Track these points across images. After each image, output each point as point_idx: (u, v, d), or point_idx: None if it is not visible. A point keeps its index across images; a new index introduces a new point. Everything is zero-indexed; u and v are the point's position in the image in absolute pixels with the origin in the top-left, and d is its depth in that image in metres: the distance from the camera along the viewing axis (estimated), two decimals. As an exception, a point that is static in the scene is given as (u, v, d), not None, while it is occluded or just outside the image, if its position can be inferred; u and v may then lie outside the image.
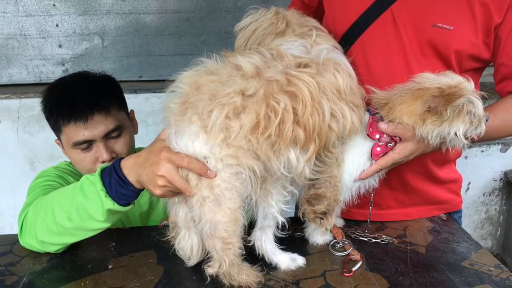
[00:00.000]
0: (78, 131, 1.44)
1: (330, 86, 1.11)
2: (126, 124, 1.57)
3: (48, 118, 1.51)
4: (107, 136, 1.49)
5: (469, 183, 3.33)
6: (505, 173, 3.35)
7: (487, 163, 3.30)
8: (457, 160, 1.64)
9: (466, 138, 1.20)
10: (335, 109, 1.12)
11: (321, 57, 1.15)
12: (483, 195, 3.41)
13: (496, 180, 3.38)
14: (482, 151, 3.26)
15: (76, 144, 1.46)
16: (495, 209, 3.48)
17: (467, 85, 1.19)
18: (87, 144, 1.47)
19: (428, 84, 1.20)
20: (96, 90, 1.51)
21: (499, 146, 3.26)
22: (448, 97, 1.16)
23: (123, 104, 1.60)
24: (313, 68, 1.11)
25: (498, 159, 3.30)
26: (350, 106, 1.16)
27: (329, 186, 1.26)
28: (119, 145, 1.52)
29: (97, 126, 1.45)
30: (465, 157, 3.23)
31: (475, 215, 3.47)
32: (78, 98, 1.45)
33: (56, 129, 1.50)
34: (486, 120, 1.21)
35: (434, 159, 1.49)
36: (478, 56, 1.36)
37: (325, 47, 1.21)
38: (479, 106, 1.18)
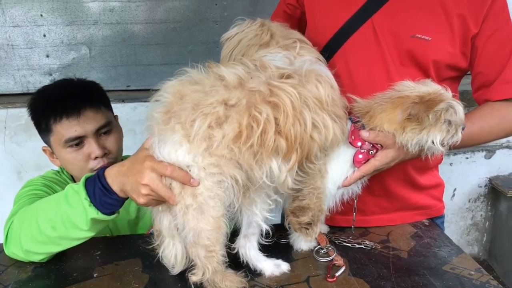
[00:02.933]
0: (70, 127, 1.47)
1: (312, 96, 1.13)
2: (115, 123, 1.63)
3: (39, 121, 1.53)
4: (98, 132, 1.52)
5: (455, 190, 3.38)
6: (490, 180, 3.40)
7: (472, 169, 3.35)
8: (442, 167, 1.67)
9: (443, 146, 1.23)
10: (317, 119, 1.13)
11: (303, 68, 1.17)
12: (469, 201, 3.46)
13: (481, 187, 3.43)
14: (467, 158, 3.31)
15: (68, 141, 1.48)
16: (481, 215, 3.53)
17: (445, 92, 1.22)
18: (79, 141, 1.50)
19: (408, 92, 1.23)
20: (85, 88, 1.59)
21: (484, 153, 3.32)
22: (428, 103, 1.19)
23: (110, 106, 1.65)
24: (296, 79, 1.13)
25: (482, 166, 3.36)
26: (332, 117, 1.17)
27: (313, 198, 1.28)
28: (110, 141, 1.56)
29: (89, 122, 1.50)
30: (450, 164, 3.27)
31: (461, 221, 3.52)
32: (70, 95, 1.51)
33: (47, 130, 1.51)
34: (462, 129, 1.24)
35: (415, 166, 1.52)
36: (456, 65, 1.40)
37: (308, 58, 1.23)
38: (460, 110, 1.21)
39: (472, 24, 1.35)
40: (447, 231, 1.60)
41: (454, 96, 1.24)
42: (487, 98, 1.43)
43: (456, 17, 1.34)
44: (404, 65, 1.40)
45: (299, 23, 1.70)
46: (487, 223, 3.56)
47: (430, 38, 1.35)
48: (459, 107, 1.22)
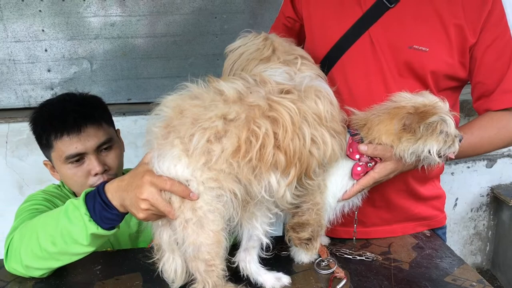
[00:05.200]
0: (71, 144, 1.47)
1: (311, 112, 1.14)
2: (116, 139, 1.62)
3: (40, 136, 1.54)
4: (98, 149, 1.52)
5: (457, 199, 3.36)
6: (492, 189, 3.39)
7: (474, 179, 3.34)
8: (444, 177, 1.67)
9: (440, 157, 1.23)
10: (316, 135, 1.14)
11: (303, 84, 1.18)
12: (471, 210, 3.44)
13: (483, 196, 3.41)
14: (468, 167, 3.30)
15: (68, 158, 1.49)
16: (483, 224, 3.51)
17: (442, 104, 1.22)
18: (79, 158, 1.50)
19: (404, 103, 1.24)
20: (87, 104, 1.58)
21: (485, 162, 3.31)
22: (422, 114, 1.19)
23: (111, 122, 1.65)
24: (295, 95, 1.13)
25: (484, 175, 3.35)
26: (331, 133, 1.18)
27: (312, 213, 1.28)
28: (110, 158, 1.56)
29: (90, 139, 1.49)
30: (452, 174, 3.27)
31: (464, 231, 3.50)
32: (71, 112, 1.51)
33: (48, 146, 1.52)
34: (460, 140, 1.24)
35: (416, 177, 1.52)
36: (454, 75, 1.41)
37: (308, 74, 1.24)
38: (451, 125, 1.21)
39: (469, 34, 1.35)
40: (450, 241, 1.59)
41: (451, 108, 1.24)
42: (487, 108, 1.43)
43: (453, 27, 1.35)
44: (402, 76, 1.40)
45: (299, 36, 1.71)
46: (490, 232, 3.54)
47: (427, 49, 1.36)
48: (450, 122, 1.22)
